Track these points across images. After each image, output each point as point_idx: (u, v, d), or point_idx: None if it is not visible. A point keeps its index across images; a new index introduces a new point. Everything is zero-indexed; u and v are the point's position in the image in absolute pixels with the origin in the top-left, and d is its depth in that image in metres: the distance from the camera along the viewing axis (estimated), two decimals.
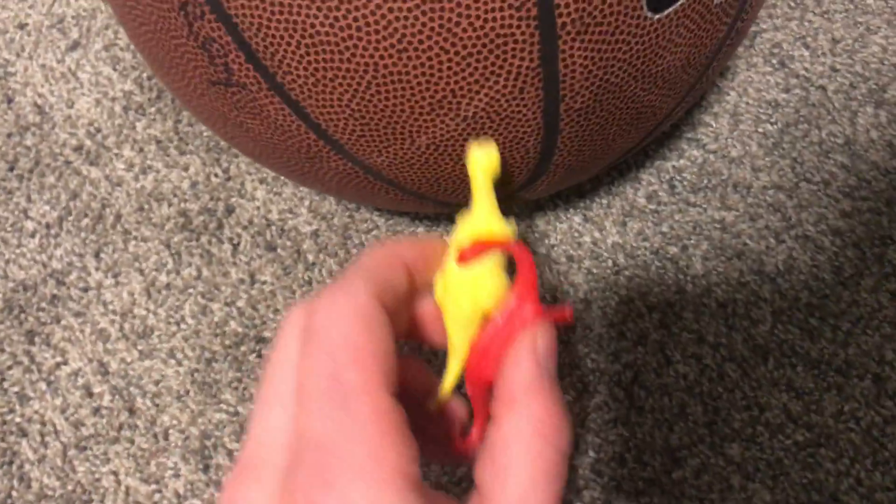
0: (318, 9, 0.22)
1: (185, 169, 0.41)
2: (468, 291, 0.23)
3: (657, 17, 0.24)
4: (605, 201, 0.39)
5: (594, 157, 0.29)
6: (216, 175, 0.41)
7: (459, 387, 0.24)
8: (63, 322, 0.38)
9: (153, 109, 0.43)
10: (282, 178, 0.40)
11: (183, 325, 0.38)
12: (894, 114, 0.40)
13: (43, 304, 0.39)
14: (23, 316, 0.38)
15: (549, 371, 0.22)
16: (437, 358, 0.34)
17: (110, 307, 0.38)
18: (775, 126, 0.40)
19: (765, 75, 0.42)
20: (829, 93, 0.41)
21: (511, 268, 0.23)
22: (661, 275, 0.37)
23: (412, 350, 0.35)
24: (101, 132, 0.43)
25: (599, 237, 0.38)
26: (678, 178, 0.40)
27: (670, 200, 0.39)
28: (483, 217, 0.24)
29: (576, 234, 0.39)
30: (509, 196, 0.31)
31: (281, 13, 0.22)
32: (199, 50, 0.25)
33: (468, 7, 0.21)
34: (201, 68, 0.26)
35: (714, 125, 0.41)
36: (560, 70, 0.24)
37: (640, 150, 0.39)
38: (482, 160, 0.24)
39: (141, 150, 0.42)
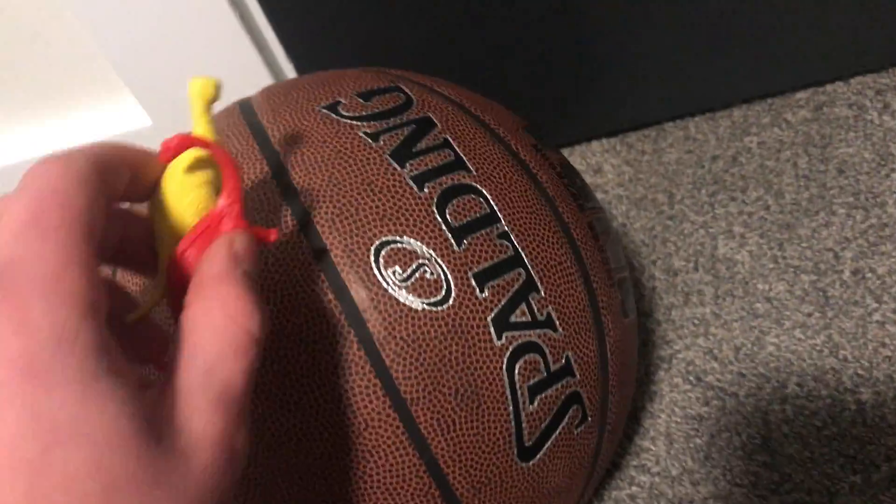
0: None
1: None
2: (178, 201, 0.23)
3: (531, 463, 0.33)
4: None
5: None
6: None
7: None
8: None
9: None
10: None
11: None
12: (797, 405, 0.48)
13: None
14: None
15: (245, 269, 0.22)
16: None
17: None
18: (703, 439, 0.48)
19: (685, 393, 0.50)
20: (740, 398, 0.49)
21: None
22: None
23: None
24: None
25: None
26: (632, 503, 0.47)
27: None
28: (198, 131, 0.24)
29: None
30: None
31: None
32: None
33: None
34: None
35: (653, 448, 0.49)
36: None
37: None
38: (199, 86, 0.24)
39: None
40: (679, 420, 0.49)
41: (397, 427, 0.30)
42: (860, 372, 0.49)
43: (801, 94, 0.65)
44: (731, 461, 0.47)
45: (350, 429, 0.29)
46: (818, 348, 0.50)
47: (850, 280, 0.53)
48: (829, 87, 0.65)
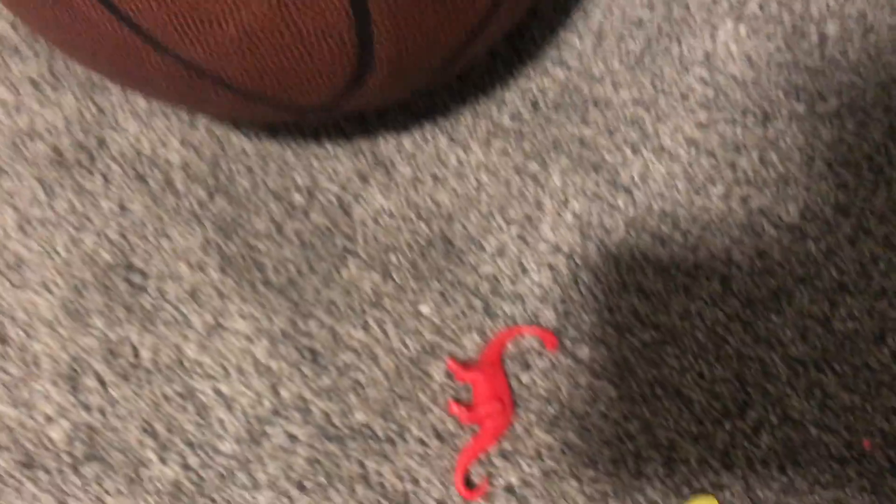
0: None
1: (59, 106, 0.41)
2: None
3: None
4: (470, 122, 0.40)
5: (420, 50, 0.30)
6: (89, 110, 0.41)
7: None
8: None
9: (27, 50, 0.43)
10: (153, 110, 0.41)
11: (55, 257, 0.38)
12: (753, 27, 0.41)
13: None
14: None
15: None
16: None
17: None
18: (638, 43, 0.41)
19: None
20: (691, 10, 0.42)
21: None
22: (521, 190, 0.38)
23: None
24: None
25: (464, 157, 0.39)
26: (541, 97, 0.40)
27: (532, 119, 0.40)
28: None
29: (442, 155, 0.39)
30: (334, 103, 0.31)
31: None
32: None
33: None
34: None
35: (578, 45, 0.41)
36: None
37: (502, 71, 0.40)
38: None
39: (17, 90, 0.42)
40: (615, 21, 0.42)
41: None
42: (828, 11, 0.42)
43: None
44: (663, 70, 0.40)
45: None
46: None
47: None
48: None
